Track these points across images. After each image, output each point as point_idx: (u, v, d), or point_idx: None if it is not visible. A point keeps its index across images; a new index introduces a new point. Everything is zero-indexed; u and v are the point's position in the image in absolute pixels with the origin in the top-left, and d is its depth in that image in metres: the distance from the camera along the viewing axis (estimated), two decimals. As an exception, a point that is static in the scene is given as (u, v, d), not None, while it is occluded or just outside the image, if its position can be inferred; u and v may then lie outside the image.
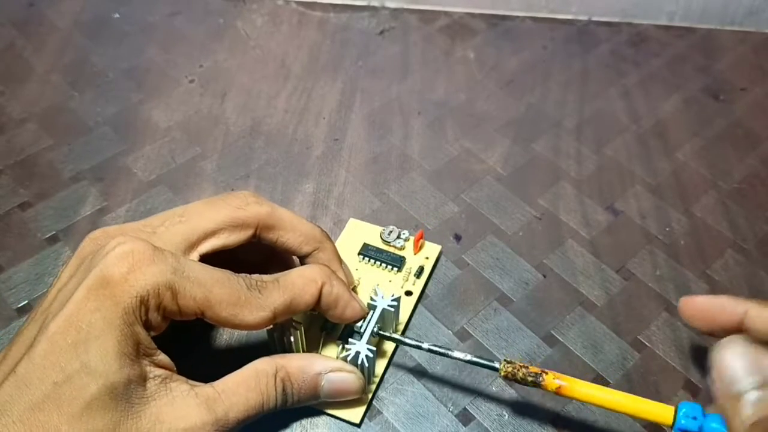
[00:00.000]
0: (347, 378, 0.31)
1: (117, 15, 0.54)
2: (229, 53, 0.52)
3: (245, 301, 0.29)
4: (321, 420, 0.33)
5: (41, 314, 0.28)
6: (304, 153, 0.45)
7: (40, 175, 0.43)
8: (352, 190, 0.43)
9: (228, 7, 0.56)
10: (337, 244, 0.39)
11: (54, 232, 0.40)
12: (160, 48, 0.52)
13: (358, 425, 0.33)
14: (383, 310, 0.33)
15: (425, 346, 0.32)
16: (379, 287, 0.36)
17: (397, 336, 0.33)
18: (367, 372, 0.32)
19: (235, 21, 0.54)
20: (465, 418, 0.33)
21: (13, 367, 0.25)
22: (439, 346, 0.32)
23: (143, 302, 0.26)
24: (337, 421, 0.33)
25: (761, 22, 0.55)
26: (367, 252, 0.39)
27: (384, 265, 0.38)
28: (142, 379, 0.27)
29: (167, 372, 0.28)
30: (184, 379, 0.28)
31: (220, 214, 0.31)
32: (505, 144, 0.46)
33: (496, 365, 0.31)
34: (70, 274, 0.29)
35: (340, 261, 0.35)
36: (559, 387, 0.30)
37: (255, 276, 0.30)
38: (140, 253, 0.27)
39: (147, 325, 0.27)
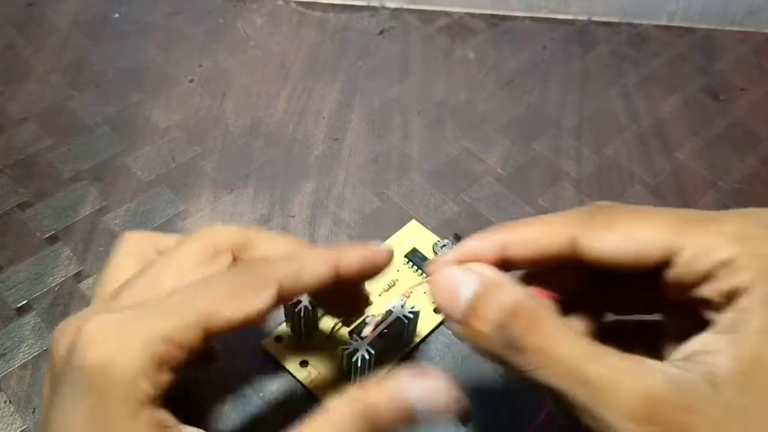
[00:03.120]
0: (443, 399, 0.23)
1: (117, 15, 0.54)
2: (229, 53, 0.52)
3: (242, 287, 0.24)
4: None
5: None
6: (304, 153, 0.45)
7: (39, 175, 0.43)
8: (351, 190, 0.43)
9: (228, 7, 0.56)
10: (389, 240, 0.40)
11: (53, 232, 0.40)
12: (159, 48, 0.52)
13: None
14: (397, 318, 0.33)
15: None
16: (404, 297, 0.35)
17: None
18: (359, 372, 0.32)
19: (235, 21, 0.54)
20: (465, 417, 0.33)
21: None
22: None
23: (141, 376, 0.22)
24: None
25: (761, 22, 0.55)
26: (413, 257, 0.39)
27: (425, 275, 0.38)
28: None
29: None
30: None
31: (190, 253, 0.26)
32: (505, 144, 0.46)
33: None
34: (47, 387, 0.24)
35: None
36: None
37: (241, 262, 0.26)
38: (109, 326, 0.22)
39: (162, 395, 0.22)
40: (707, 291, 0.22)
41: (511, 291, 0.23)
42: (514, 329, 0.22)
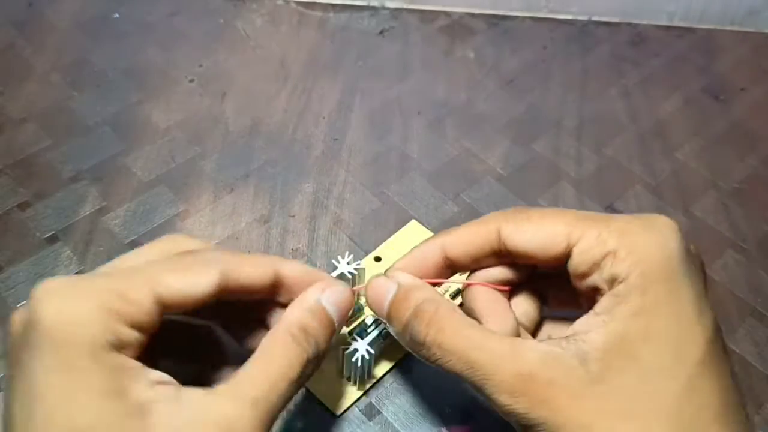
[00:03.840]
0: (343, 294, 0.28)
1: (117, 15, 0.54)
2: (229, 53, 0.52)
3: (188, 265, 0.25)
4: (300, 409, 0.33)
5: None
6: (304, 153, 0.45)
7: (39, 175, 0.43)
8: (351, 190, 0.43)
9: (228, 7, 0.56)
10: (389, 240, 0.40)
11: (53, 232, 0.40)
12: (159, 48, 0.52)
13: (336, 416, 0.33)
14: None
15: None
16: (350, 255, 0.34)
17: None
18: (361, 371, 0.32)
19: (235, 21, 0.54)
20: (465, 418, 0.33)
21: None
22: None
23: (95, 327, 0.23)
24: (320, 409, 0.33)
25: (761, 22, 0.55)
26: None
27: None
28: (140, 408, 0.23)
29: (170, 386, 0.24)
30: (193, 388, 0.24)
31: (152, 251, 0.28)
32: (505, 144, 0.46)
33: None
34: (10, 368, 0.24)
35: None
36: None
37: None
38: (57, 285, 0.24)
39: (120, 346, 0.23)
40: (597, 279, 0.26)
41: (417, 294, 0.28)
42: (416, 327, 0.27)
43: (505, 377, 0.25)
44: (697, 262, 0.27)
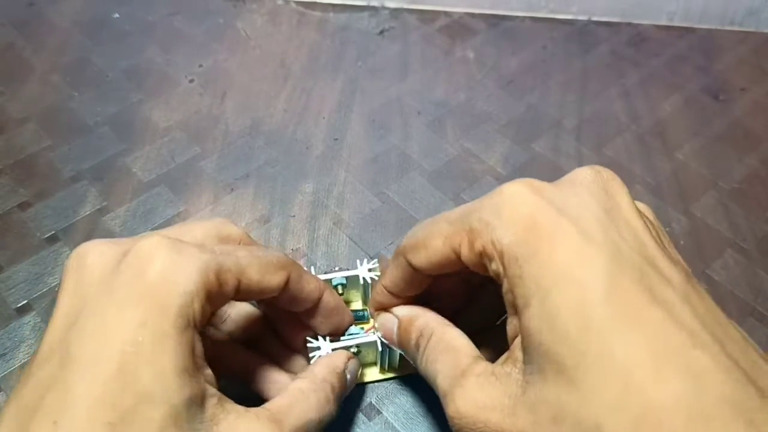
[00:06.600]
0: (357, 366, 0.32)
1: (117, 15, 0.54)
2: (229, 53, 0.52)
3: (268, 261, 0.27)
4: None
5: (56, 348, 0.23)
6: (304, 153, 0.45)
7: (39, 175, 0.43)
8: (351, 190, 0.43)
9: (228, 7, 0.56)
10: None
11: (53, 232, 0.40)
12: (159, 48, 0.52)
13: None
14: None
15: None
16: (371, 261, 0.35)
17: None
18: (382, 357, 0.33)
19: (235, 21, 0.54)
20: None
21: (53, 417, 0.21)
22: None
23: (194, 297, 0.23)
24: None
25: (761, 22, 0.55)
26: None
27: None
28: (201, 399, 0.23)
29: (218, 392, 0.24)
30: (232, 401, 0.25)
31: (206, 227, 0.29)
32: (505, 144, 0.46)
33: None
34: (74, 296, 0.25)
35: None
36: None
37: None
38: (169, 244, 0.24)
39: (196, 324, 0.24)
40: (491, 273, 0.25)
41: (421, 320, 0.29)
42: (422, 344, 0.29)
43: (456, 409, 0.26)
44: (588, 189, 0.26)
